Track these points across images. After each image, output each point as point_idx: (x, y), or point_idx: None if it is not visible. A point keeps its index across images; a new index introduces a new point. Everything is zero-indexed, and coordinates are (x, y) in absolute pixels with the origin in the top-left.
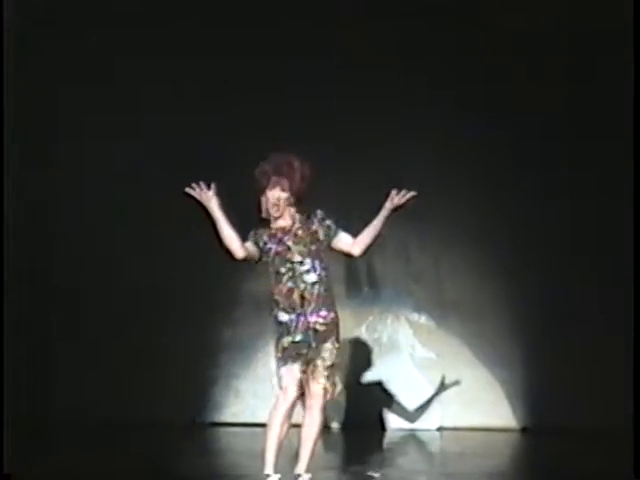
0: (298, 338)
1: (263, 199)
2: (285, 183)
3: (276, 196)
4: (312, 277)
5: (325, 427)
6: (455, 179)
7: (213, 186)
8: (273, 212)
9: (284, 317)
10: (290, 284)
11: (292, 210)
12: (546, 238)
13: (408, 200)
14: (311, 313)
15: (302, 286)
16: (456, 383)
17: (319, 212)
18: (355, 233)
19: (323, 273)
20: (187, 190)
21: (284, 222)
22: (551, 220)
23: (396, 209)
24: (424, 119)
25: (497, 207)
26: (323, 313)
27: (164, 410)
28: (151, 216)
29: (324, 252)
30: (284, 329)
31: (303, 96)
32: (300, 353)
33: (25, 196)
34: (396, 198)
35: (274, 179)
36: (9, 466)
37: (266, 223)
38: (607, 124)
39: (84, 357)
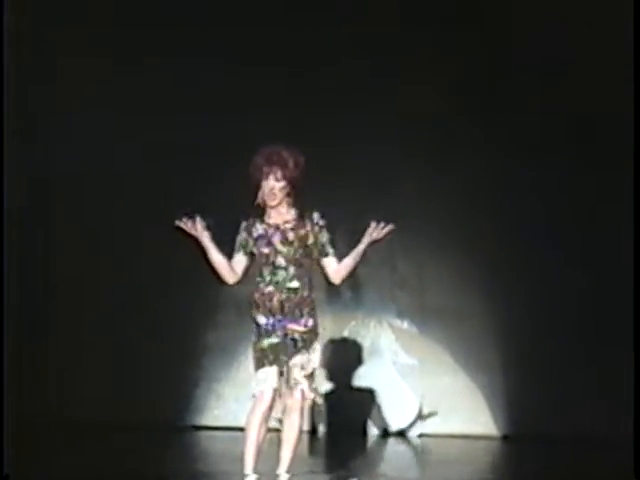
0: (275, 341)
1: (260, 193)
2: (278, 172)
3: (270, 186)
4: (294, 284)
5: (312, 432)
6: (439, 186)
7: (199, 219)
8: (270, 201)
9: (262, 320)
10: (271, 288)
11: (289, 202)
12: (529, 245)
13: (386, 235)
14: (290, 320)
15: (283, 292)
16: (433, 414)
17: (316, 215)
18: (341, 239)
19: (306, 280)
20: (178, 224)
21: (278, 217)
22: (535, 227)
23: (374, 242)
24: (411, 125)
25: (481, 214)
26: (302, 321)
27: (145, 413)
28: (137, 220)
29: (309, 259)
30: (262, 332)
31: (296, 99)
32: (277, 356)
33: (23, 198)
34: (375, 232)
35: (266, 170)
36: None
37: (262, 213)
38: (604, 127)
39: (66, 359)
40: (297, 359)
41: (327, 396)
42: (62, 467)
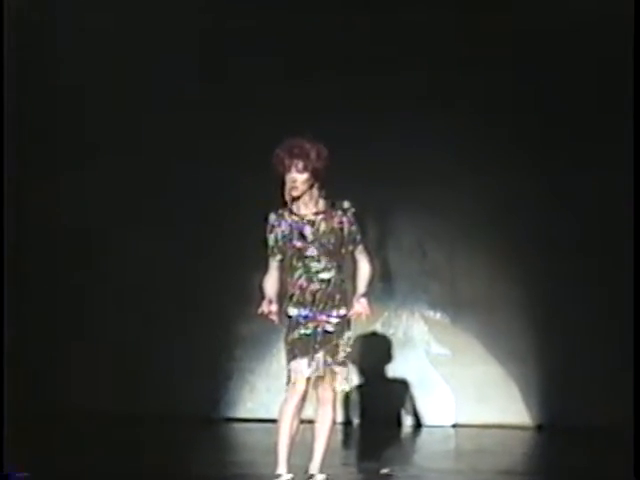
0: (306, 332)
1: (285, 186)
2: (300, 164)
3: (293, 178)
4: (326, 275)
5: (346, 423)
6: (470, 176)
7: (274, 308)
8: (292, 193)
9: (294, 312)
10: (303, 281)
11: (316, 194)
12: (561, 235)
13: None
14: (321, 312)
15: (315, 283)
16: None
17: (346, 203)
18: (371, 228)
19: (337, 271)
20: (259, 314)
21: (306, 209)
22: (566, 218)
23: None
24: (438, 116)
25: (512, 205)
26: (334, 312)
27: (179, 405)
28: (168, 209)
29: (341, 249)
30: (293, 323)
31: (314, 91)
32: (308, 348)
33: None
34: (358, 306)
35: (288, 162)
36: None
37: (289, 206)
38: (612, 125)
39: (98, 350)
40: (328, 349)
41: (360, 388)
42: (95, 460)
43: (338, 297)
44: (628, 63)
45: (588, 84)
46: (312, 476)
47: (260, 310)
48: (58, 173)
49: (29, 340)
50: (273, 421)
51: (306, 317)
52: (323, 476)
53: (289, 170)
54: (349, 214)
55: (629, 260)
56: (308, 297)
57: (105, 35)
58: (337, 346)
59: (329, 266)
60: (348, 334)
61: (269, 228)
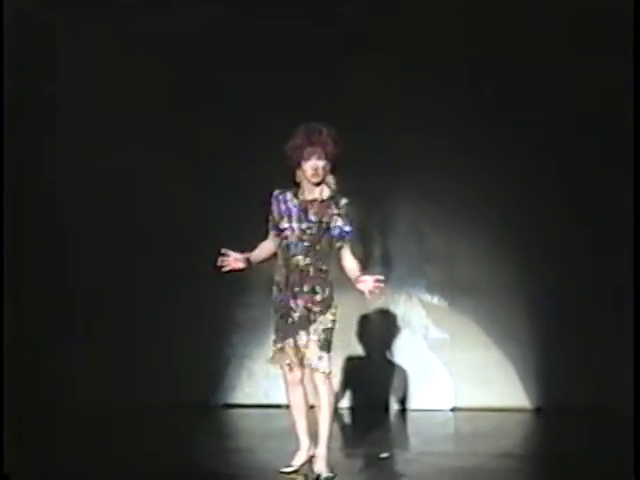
0: (284, 315)
1: (299, 172)
2: (320, 151)
3: (314, 165)
4: (305, 260)
5: (344, 408)
6: (467, 160)
7: (238, 256)
8: (313, 180)
9: (274, 296)
10: (282, 263)
11: (328, 180)
12: (560, 218)
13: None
14: (295, 296)
15: (292, 267)
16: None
17: (344, 200)
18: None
19: (316, 259)
20: (224, 270)
21: (310, 195)
22: (565, 201)
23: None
24: (436, 99)
25: (509, 188)
26: (310, 297)
27: (176, 391)
28: (165, 201)
29: (323, 239)
30: (275, 307)
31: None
32: (288, 332)
33: (27, 198)
34: (363, 285)
35: (309, 149)
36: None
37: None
38: (612, 125)
39: (94, 340)
40: (307, 333)
41: (358, 372)
42: (93, 449)
43: (313, 282)
44: (628, 63)
45: (588, 84)
46: (318, 476)
47: (225, 256)
48: (56, 172)
49: (29, 335)
50: (271, 406)
51: (282, 300)
52: (329, 475)
53: (309, 158)
54: (343, 211)
55: (629, 240)
56: (283, 280)
57: None
58: (316, 331)
59: (310, 251)
60: (326, 318)
61: (272, 202)
